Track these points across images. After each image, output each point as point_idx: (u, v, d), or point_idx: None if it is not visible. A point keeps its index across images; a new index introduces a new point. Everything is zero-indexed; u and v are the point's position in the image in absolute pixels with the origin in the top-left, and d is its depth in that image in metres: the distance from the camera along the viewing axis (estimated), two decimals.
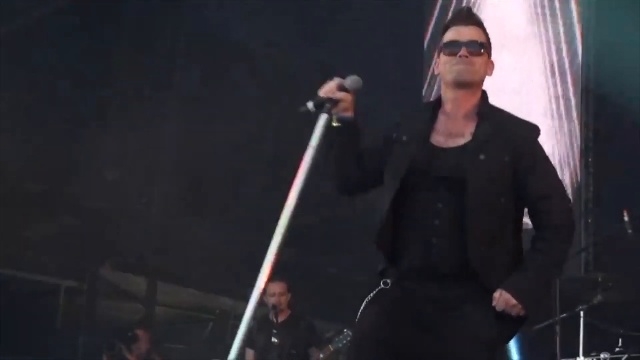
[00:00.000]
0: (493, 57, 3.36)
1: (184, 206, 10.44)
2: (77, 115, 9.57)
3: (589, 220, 8.10)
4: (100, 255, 10.49)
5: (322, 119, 3.14)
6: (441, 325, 3.13)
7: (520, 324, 3.20)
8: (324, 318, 8.99)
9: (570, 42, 8.55)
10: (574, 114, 8.37)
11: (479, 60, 3.26)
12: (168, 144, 10.40)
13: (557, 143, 8.37)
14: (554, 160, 8.23)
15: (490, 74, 3.34)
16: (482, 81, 3.32)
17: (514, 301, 3.09)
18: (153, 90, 9.91)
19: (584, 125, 8.27)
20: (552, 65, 8.58)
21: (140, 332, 8.71)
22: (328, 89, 3.22)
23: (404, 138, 3.29)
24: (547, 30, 8.68)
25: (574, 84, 8.41)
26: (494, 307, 3.11)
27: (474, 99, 3.29)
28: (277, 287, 7.21)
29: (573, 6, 8.57)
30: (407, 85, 9.35)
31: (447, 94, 3.31)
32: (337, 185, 3.42)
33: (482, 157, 3.17)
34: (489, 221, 3.15)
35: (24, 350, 9.09)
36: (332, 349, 7.27)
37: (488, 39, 3.33)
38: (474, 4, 8.98)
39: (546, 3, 8.80)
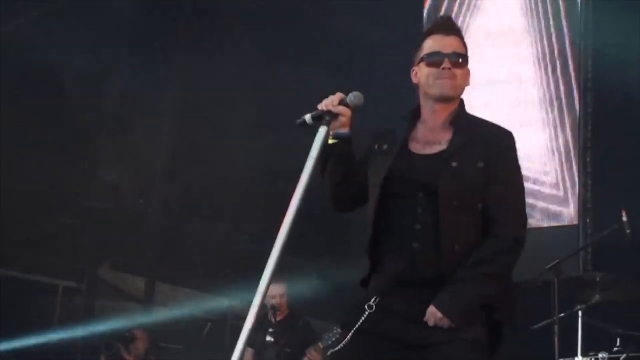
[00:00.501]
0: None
1: (181, 207, 10.44)
2: (77, 115, 9.56)
3: (587, 220, 8.09)
4: (99, 255, 10.49)
5: (322, 130, 3.11)
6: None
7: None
8: (323, 318, 8.99)
9: (570, 38, 8.53)
10: (573, 113, 8.36)
11: (461, 73, 3.26)
12: (166, 144, 10.39)
13: (555, 142, 8.36)
14: (553, 159, 8.23)
15: (469, 84, 3.32)
16: (462, 93, 3.31)
17: (440, 315, 3.06)
18: (151, 90, 9.89)
19: (583, 125, 8.26)
20: (551, 63, 8.56)
21: (138, 333, 8.71)
22: (329, 101, 3.19)
23: (384, 147, 3.29)
24: (543, 25, 8.65)
25: (573, 83, 8.40)
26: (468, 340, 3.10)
27: (452, 109, 3.30)
28: (278, 289, 7.28)
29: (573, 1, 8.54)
30: (405, 86, 9.32)
31: (427, 105, 3.30)
32: (332, 202, 3.40)
33: (454, 164, 3.15)
34: (463, 229, 3.13)
35: (21, 350, 9.08)
36: (321, 346, 7.27)
37: (466, 48, 3.31)
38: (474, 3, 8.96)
39: None
